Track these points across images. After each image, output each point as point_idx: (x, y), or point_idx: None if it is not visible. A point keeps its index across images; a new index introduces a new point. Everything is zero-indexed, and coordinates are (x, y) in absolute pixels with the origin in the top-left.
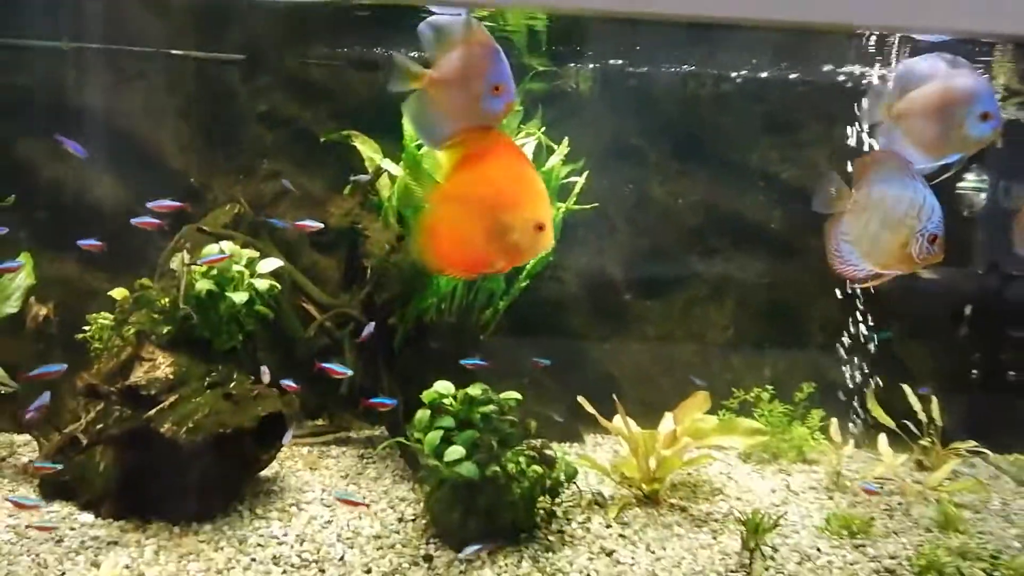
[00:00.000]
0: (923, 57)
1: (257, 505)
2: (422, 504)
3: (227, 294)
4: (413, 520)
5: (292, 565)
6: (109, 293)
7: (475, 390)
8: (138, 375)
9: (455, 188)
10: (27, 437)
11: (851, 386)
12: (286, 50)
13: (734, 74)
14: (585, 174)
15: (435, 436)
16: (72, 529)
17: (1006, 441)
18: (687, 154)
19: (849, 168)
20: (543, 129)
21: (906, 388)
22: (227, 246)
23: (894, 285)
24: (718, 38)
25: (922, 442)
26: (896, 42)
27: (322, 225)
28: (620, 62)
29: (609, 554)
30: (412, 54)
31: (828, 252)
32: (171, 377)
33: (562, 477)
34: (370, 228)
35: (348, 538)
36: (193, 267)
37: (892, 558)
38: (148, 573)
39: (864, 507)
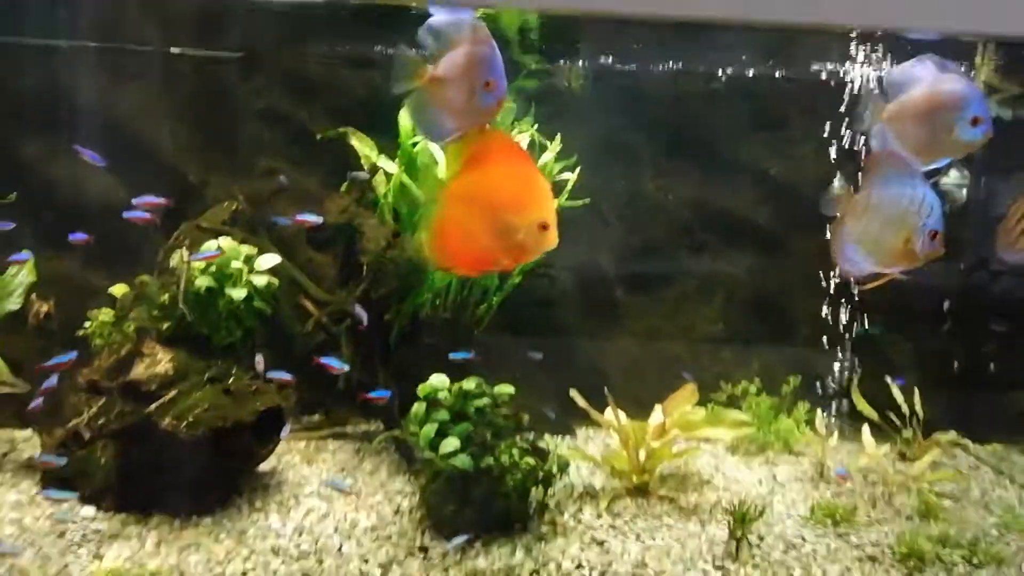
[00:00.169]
0: (914, 61)
1: (256, 498)
2: (418, 496)
3: (226, 290)
4: (409, 512)
5: (291, 556)
6: (109, 290)
7: (469, 384)
8: (138, 371)
9: (462, 188)
10: (28, 433)
11: (836, 379)
12: (283, 48)
13: (723, 72)
14: (577, 170)
15: (430, 429)
16: (74, 523)
17: (986, 432)
18: (677, 151)
19: (837, 165)
20: (536, 126)
21: (889, 380)
22: (225, 243)
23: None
24: (707, 37)
25: (904, 433)
26: (880, 40)
27: (321, 219)
28: (611, 60)
29: (600, 544)
30: (411, 51)
31: (834, 253)
32: (171, 373)
33: (554, 469)
34: (366, 225)
35: (345, 530)
36: (192, 264)
37: (874, 545)
38: (150, 565)
39: (848, 497)
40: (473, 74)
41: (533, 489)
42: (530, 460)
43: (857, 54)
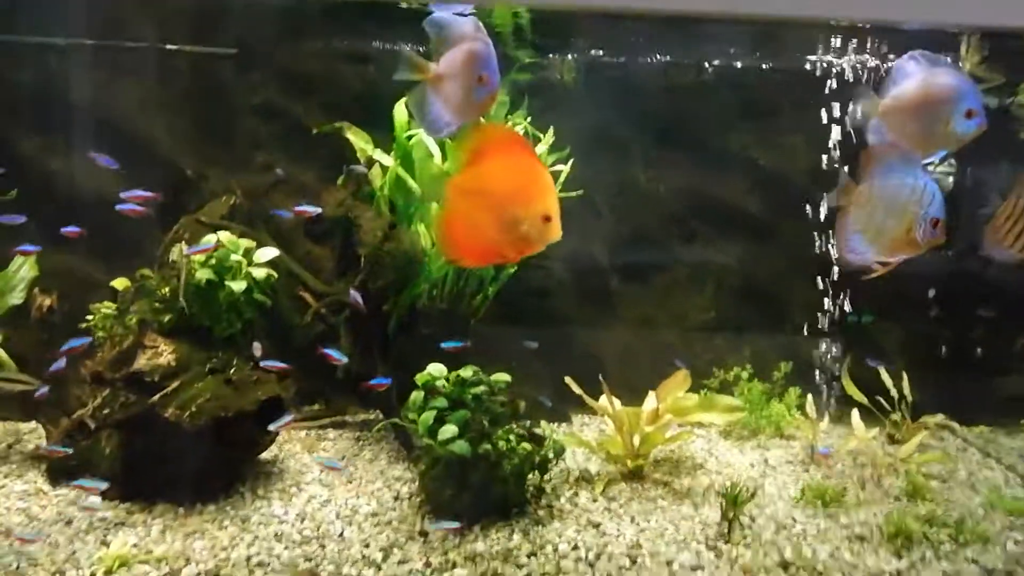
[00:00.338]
0: (908, 56)
1: (258, 486)
2: (417, 482)
3: (226, 283)
4: (408, 498)
5: (293, 541)
6: (111, 283)
7: (467, 372)
8: (141, 362)
9: (467, 182)
10: (33, 425)
11: (826, 364)
12: (279, 44)
13: (713, 63)
14: (570, 162)
15: (429, 416)
16: (81, 511)
17: (973, 415)
18: (669, 141)
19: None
20: (528, 119)
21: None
22: (225, 236)
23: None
24: (697, 29)
25: (893, 417)
26: (868, 32)
27: (320, 210)
28: (602, 53)
29: (596, 526)
30: (409, 47)
31: (839, 244)
32: (173, 364)
33: (550, 454)
34: (363, 217)
35: (347, 516)
36: (192, 257)
37: (863, 525)
38: (156, 551)
39: (837, 478)
40: (469, 70)
41: (530, 474)
42: (527, 446)
43: (846, 45)
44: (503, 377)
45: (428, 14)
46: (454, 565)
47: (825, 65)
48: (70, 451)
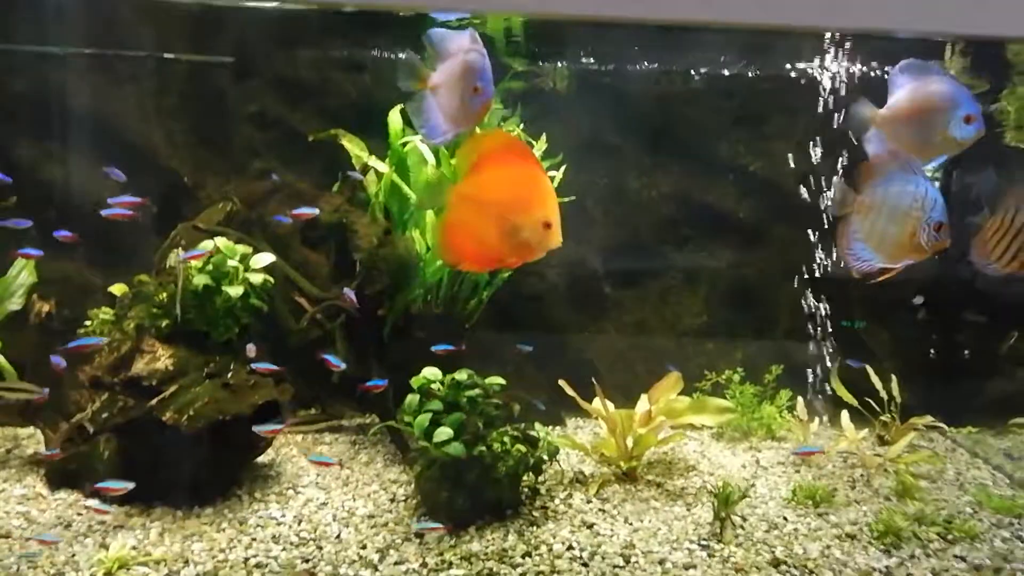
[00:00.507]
0: (903, 64)
1: (255, 489)
2: (412, 484)
3: (223, 288)
4: (404, 500)
5: (291, 543)
6: (109, 289)
7: (462, 375)
8: (139, 367)
9: (470, 189)
10: (31, 430)
11: (816, 367)
12: (275, 53)
13: (703, 71)
14: (563, 168)
15: (424, 419)
16: (79, 514)
17: (962, 416)
18: (660, 148)
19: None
20: (522, 126)
21: (867, 368)
22: (222, 242)
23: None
24: (688, 37)
25: (883, 418)
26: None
27: (317, 211)
28: (594, 61)
29: (589, 527)
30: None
31: (841, 251)
32: (171, 368)
33: (544, 456)
34: (358, 223)
35: (343, 518)
36: (189, 263)
37: (853, 524)
38: (154, 553)
39: (828, 479)
40: (465, 80)
41: (524, 476)
42: (521, 448)
43: (836, 53)
44: (498, 380)
45: (426, 22)
46: (450, 565)
47: (816, 73)
48: (63, 454)
